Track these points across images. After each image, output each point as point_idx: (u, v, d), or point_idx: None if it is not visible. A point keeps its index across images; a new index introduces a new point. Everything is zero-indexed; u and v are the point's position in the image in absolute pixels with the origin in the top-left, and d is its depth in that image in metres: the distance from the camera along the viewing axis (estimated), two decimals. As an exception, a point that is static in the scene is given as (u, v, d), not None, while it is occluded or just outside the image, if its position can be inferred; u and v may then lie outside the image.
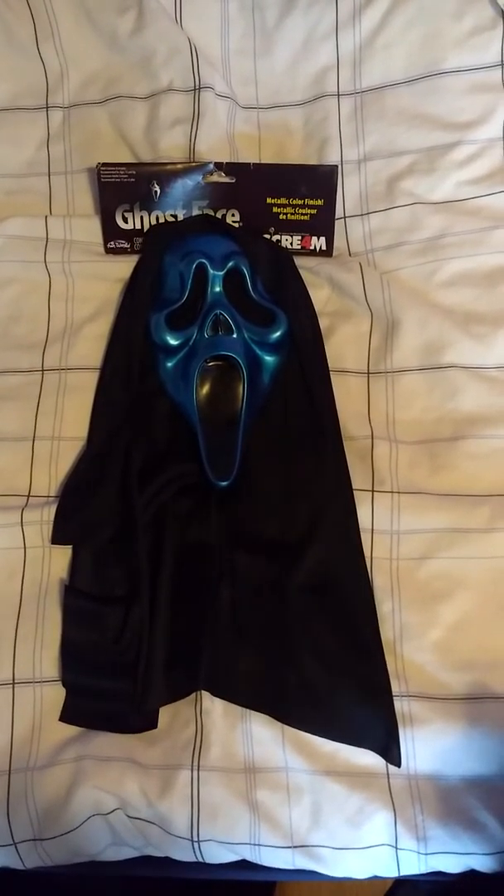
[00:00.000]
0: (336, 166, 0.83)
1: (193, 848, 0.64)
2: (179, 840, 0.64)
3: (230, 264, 0.78)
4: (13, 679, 0.69)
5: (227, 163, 0.83)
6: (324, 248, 0.85)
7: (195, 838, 0.63)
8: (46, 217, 0.86)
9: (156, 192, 0.83)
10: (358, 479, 0.74)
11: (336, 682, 0.66)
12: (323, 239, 0.85)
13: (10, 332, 0.83)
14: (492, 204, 0.84)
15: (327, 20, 0.88)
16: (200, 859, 0.65)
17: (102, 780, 0.65)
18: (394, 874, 0.64)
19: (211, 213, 0.85)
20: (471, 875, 0.64)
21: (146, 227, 0.85)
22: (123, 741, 0.66)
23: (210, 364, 0.76)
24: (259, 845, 0.64)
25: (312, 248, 0.85)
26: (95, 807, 0.64)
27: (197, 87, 0.87)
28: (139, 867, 0.67)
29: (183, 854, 0.65)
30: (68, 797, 0.64)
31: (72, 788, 0.65)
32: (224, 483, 0.72)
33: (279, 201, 0.83)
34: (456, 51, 0.86)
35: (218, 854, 0.64)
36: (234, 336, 0.76)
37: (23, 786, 0.65)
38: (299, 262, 0.84)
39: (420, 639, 0.68)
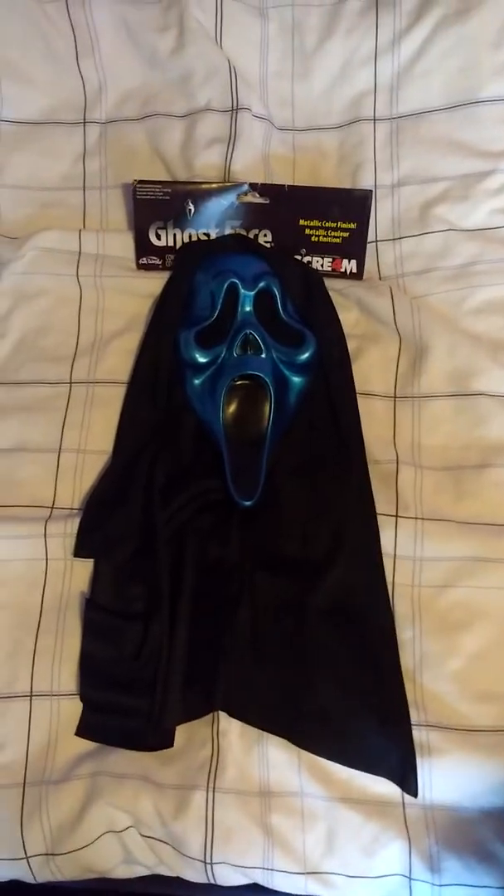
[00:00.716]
0: (370, 191, 0.83)
1: (206, 870, 0.64)
2: (192, 861, 0.64)
3: (261, 284, 0.78)
4: (31, 691, 0.69)
5: (261, 184, 0.84)
6: (354, 270, 0.85)
7: (208, 860, 0.63)
8: (80, 231, 0.87)
9: (190, 210, 0.84)
10: (382, 503, 0.74)
11: (354, 707, 0.66)
12: (354, 262, 0.85)
13: (38, 344, 0.84)
14: (524, 233, 0.84)
15: (367, 46, 0.88)
16: (212, 881, 0.64)
17: (117, 797, 0.64)
18: (406, 905, 0.64)
19: (244, 232, 0.85)
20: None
21: (178, 244, 0.85)
22: (139, 759, 0.66)
23: (237, 383, 0.77)
24: (272, 870, 0.63)
25: (343, 270, 0.85)
26: (109, 824, 0.64)
27: (234, 107, 0.88)
28: (150, 886, 0.66)
29: (195, 875, 0.64)
30: (82, 813, 0.64)
31: (86, 804, 0.65)
32: (248, 502, 0.72)
33: (312, 223, 0.84)
34: (493, 80, 0.86)
35: (230, 877, 0.64)
36: (263, 356, 0.76)
37: (37, 799, 0.65)
38: (329, 284, 0.84)
39: (440, 668, 0.68)
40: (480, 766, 0.64)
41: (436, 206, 0.86)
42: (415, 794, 0.64)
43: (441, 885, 0.63)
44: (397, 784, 0.64)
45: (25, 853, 0.64)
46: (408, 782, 0.64)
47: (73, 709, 0.68)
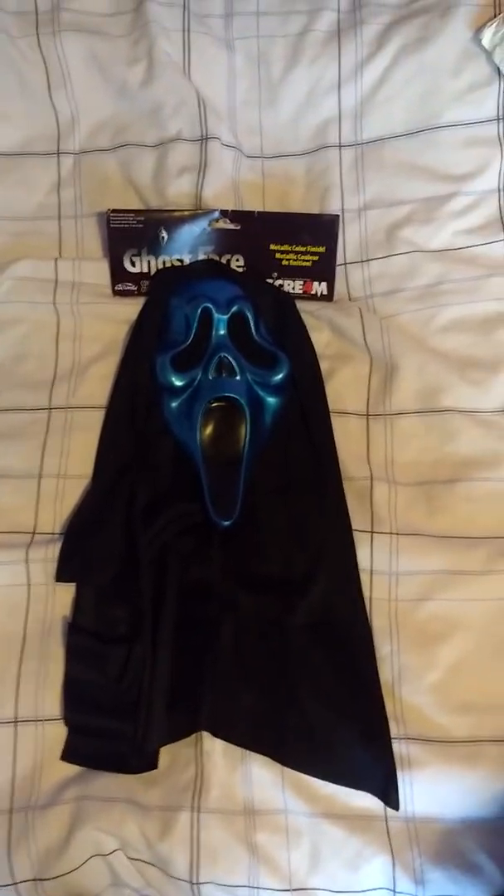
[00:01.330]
0: (338, 216, 0.85)
1: (193, 890, 0.64)
2: (179, 882, 0.64)
3: (234, 308, 0.80)
4: (16, 717, 0.69)
5: (232, 210, 0.86)
6: (325, 293, 0.87)
7: (194, 880, 0.64)
8: (56, 259, 0.88)
9: (163, 237, 0.86)
10: (357, 519, 0.75)
11: (335, 724, 0.67)
12: (324, 284, 0.87)
13: (17, 371, 0.84)
14: (487, 253, 0.87)
15: (330, 74, 0.91)
16: (199, 901, 0.65)
17: (103, 820, 0.65)
18: (391, 917, 0.65)
19: (216, 258, 0.87)
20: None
21: (153, 270, 0.87)
22: (124, 782, 0.67)
23: (213, 405, 0.78)
24: (258, 888, 0.64)
25: (314, 292, 0.87)
26: (96, 847, 0.65)
27: (204, 136, 0.90)
28: (138, 908, 0.67)
29: (182, 896, 0.65)
30: (69, 837, 0.65)
31: (72, 829, 0.65)
32: (226, 522, 0.74)
33: (282, 248, 0.86)
34: (453, 105, 0.89)
35: (217, 897, 0.65)
36: (238, 378, 0.77)
37: (24, 825, 0.65)
38: (301, 306, 0.86)
39: (418, 681, 0.69)
40: (460, 777, 0.66)
41: (401, 228, 0.88)
42: (396, 808, 0.65)
43: (425, 897, 0.64)
44: (379, 798, 0.65)
45: (13, 879, 0.64)
46: (389, 796, 0.65)
47: (58, 733, 0.69)
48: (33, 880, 0.64)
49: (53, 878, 0.64)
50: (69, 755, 0.68)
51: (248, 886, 0.64)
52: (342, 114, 0.91)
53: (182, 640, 0.70)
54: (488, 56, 0.88)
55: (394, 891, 0.64)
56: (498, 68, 0.88)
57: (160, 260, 0.87)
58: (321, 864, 0.64)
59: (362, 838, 0.64)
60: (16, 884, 0.64)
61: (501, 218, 0.88)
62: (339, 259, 0.88)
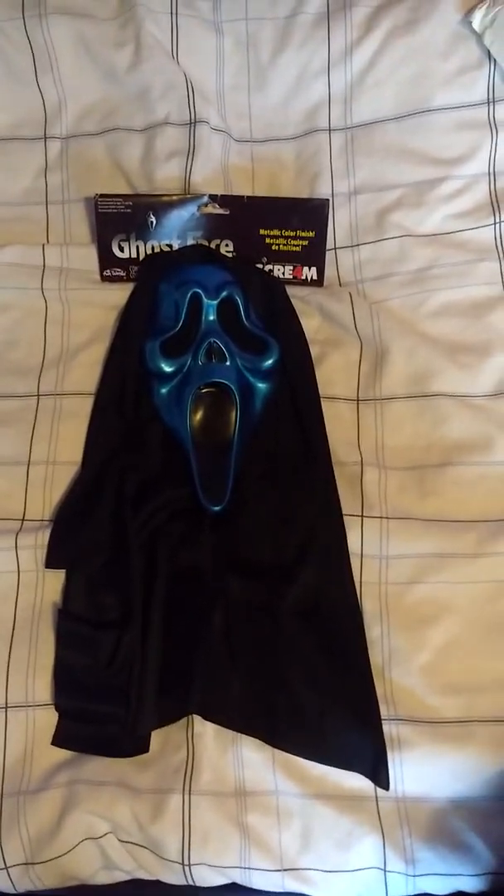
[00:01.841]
0: (327, 200, 0.85)
1: (184, 872, 0.64)
2: (171, 864, 0.64)
3: (224, 294, 0.80)
4: (6, 703, 0.69)
5: (221, 195, 0.85)
6: (315, 278, 0.87)
7: (186, 862, 0.64)
8: (44, 245, 0.88)
9: (152, 222, 0.85)
10: (347, 504, 0.75)
11: (326, 706, 0.67)
12: (314, 269, 0.87)
13: (6, 358, 0.84)
14: (477, 237, 0.87)
15: (319, 58, 0.90)
16: (191, 883, 0.65)
17: (94, 804, 0.65)
18: (382, 896, 0.65)
19: (205, 243, 0.87)
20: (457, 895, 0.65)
21: (142, 256, 0.87)
22: (115, 765, 0.67)
23: (203, 391, 0.78)
24: (249, 868, 0.64)
25: (304, 278, 0.87)
26: (87, 831, 0.65)
27: (192, 120, 0.90)
28: (130, 890, 0.67)
29: (174, 878, 0.65)
30: (60, 821, 0.65)
31: (64, 813, 0.65)
32: (217, 508, 0.74)
33: (272, 233, 0.85)
34: (443, 89, 0.89)
35: (209, 878, 0.65)
36: (228, 363, 0.77)
37: (15, 810, 0.66)
38: (291, 291, 0.86)
39: (408, 663, 0.69)
40: (450, 758, 0.66)
41: (391, 212, 0.88)
42: (387, 788, 0.65)
43: (415, 876, 0.65)
44: (369, 778, 0.66)
45: (5, 863, 0.64)
46: (380, 776, 0.66)
47: (49, 719, 0.69)
48: (25, 864, 0.65)
49: (45, 861, 0.65)
50: (60, 740, 0.68)
51: (240, 867, 0.64)
52: (332, 97, 0.91)
53: (173, 624, 0.70)
54: (478, 39, 0.88)
55: (384, 869, 0.64)
56: (488, 51, 0.87)
57: (149, 245, 0.86)
58: (312, 845, 0.64)
59: (353, 818, 0.65)
60: (7, 868, 0.65)
61: (491, 202, 0.87)
62: (329, 244, 0.87)
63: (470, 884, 0.65)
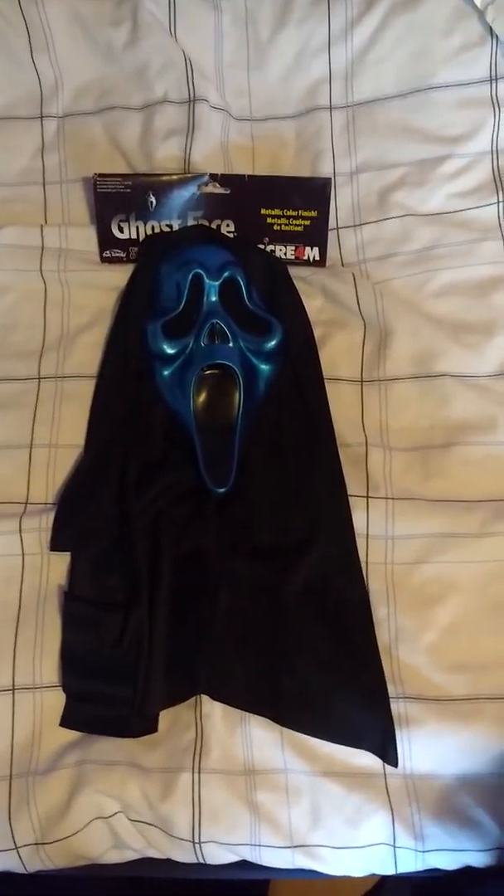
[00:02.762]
0: (329, 179, 0.84)
1: (195, 850, 0.65)
2: (181, 842, 0.65)
3: (226, 274, 0.79)
4: (13, 685, 0.69)
5: (221, 174, 0.84)
6: (317, 258, 0.87)
7: (196, 840, 0.64)
8: (42, 226, 0.87)
9: (151, 202, 0.84)
10: (353, 485, 0.75)
11: (333, 684, 0.68)
12: (316, 249, 0.86)
13: (6, 341, 0.83)
14: (480, 216, 0.86)
15: (320, 35, 0.89)
16: (201, 860, 0.65)
17: (104, 784, 0.65)
18: (391, 871, 0.66)
19: (206, 223, 0.86)
20: (464, 870, 0.66)
21: (142, 236, 0.86)
22: (124, 745, 0.67)
23: (206, 372, 0.78)
24: (259, 846, 0.65)
25: (306, 258, 0.87)
26: (97, 810, 0.65)
27: (191, 98, 0.89)
28: (140, 869, 0.67)
29: (184, 856, 0.66)
30: (70, 801, 0.65)
31: (73, 793, 0.65)
32: (221, 490, 0.73)
33: (273, 212, 0.85)
34: (445, 66, 0.88)
35: (219, 855, 0.65)
36: (230, 345, 0.77)
37: (24, 791, 0.66)
38: (293, 271, 0.85)
39: (415, 642, 0.70)
40: (457, 735, 0.67)
41: (394, 191, 0.87)
42: (395, 765, 0.66)
43: (424, 851, 0.65)
44: (378, 756, 0.66)
45: (15, 844, 0.65)
46: (388, 754, 0.66)
47: (57, 700, 0.69)
48: (35, 844, 0.65)
49: (55, 841, 0.65)
50: (68, 721, 0.68)
51: (250, 844, 0.65)
52: (332, 75, 0.90)
53: (178, 605, 0.70)
54: (480, 15, 0.87)
55: (393, 845, 0.65)
56: (490, 27, 0.86)
57: (149, 225, 0.86)
58: (321, 821, 0.65)
59: (362, 795, 0.65)
60: (17, 848, 0.65)
61: (495, 180, 0.87)
62: (332, 224, 0.87)
63: (478, 859, 0.65)
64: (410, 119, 0.88)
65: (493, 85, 0.87)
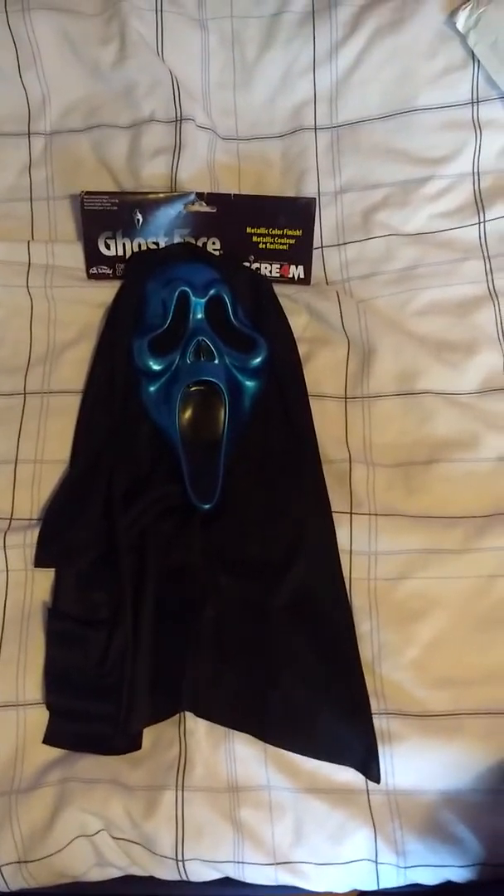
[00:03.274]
0: (314, 199, 0.85)
1: (178, 867, 0.65)
2: (164, 860, 0.65)
3: (212, 292, 0.80)
4: (-4, 702, 0.69)
5: (208, 193, 0.85)
6: (302, 276, 0.87)
7: (180, 858, 0.64)
8: (29, 242, 0.88)
9: (138, 220, 0.85)
10: (336, 501, 0.76)
11: (316, 700, 0.68)
12: (301, 268, 0.87)
13: (-9, 356, 0.84)
14: (462, 236, 0.87)
15: (305, 57, 0.91)
16: (185, 878, 0.65)
17: (87, 801, 0.65)
18: (373, 887, 0.66)
19: (192, 241, 0.87)
20: (446, 885, 0.66)
21: (128, 253, 0.86)
22: (108, 763, 0.67)
23: (192, 389, 0.78)
24: (243, 863, 0.65)
25: (291, 276, 0.88)
26: (80, 828, 0.65)
27: (178, 118, 0.90)
28: (123, 887, 0.67)
29: (167, 873, 0.65)
30: (53, 819, 0.65)
31: (56, 810, 0.65)
32: (207, 506, 0.74)
33: (259, 231, 0.86)
34: (428, 89, 0.89)
35: (202, 872, 0.65)
36: (216, 362, 0.78)
37: (7, 809, 0.65)
38: (278, 289, 0.86)
39: (398, 657, 0.70)
40: (439, 750, 0.67)
41: (377, 211, 0.88)
42: (378, 781, 0.66)
43: (406, 867, 0.66)
44: (360, 772, 0.67)
45: (-3, 862, 0.65)
46: (371, 770, 0.66)
47: (40, 717, 0.69)
48: (17, 862, 0.65)
49: (38, 859, 0.65)
50: (51, 738, 0.68)
51: (234, 861, 0.65)
52: (317, 96, 0.91)
53: (163, 622, 0.70)
54: (462, 39, 0.88)
55: (376, 861, 0.65)
56: (472, 51, 0.88)
57: (135, 243, 0.86)
58: (305, 838, 0.65)
59: (345, 812, 0.65)
60: (0, 867, 0.64)
61: (476, 201, 0.88)
62: (316, 242, 0.88)
63: (459, 874, 0.66)
64: (394, 140, 0.90)
65: (475, 108, 0.89)
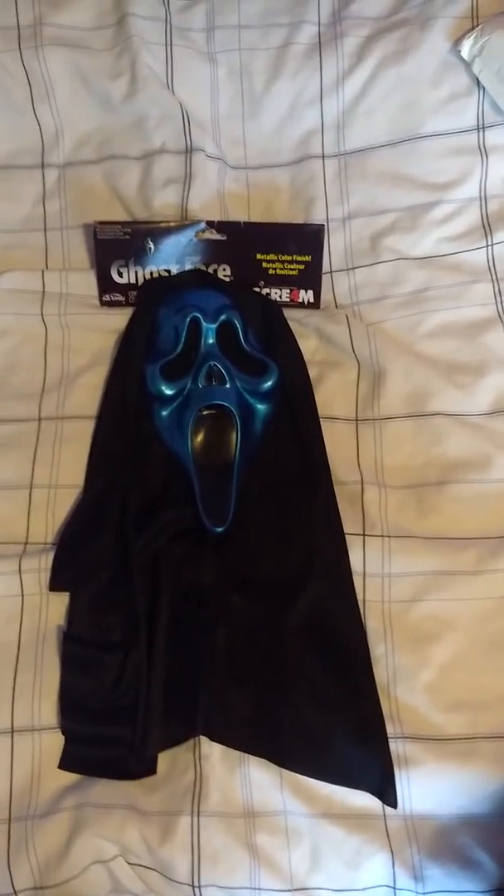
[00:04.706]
0: (323, 225, 0.87)
1: (194, 893, 0.64)
2: (180, 886, 0.64)
3: (223, 317, 0.81)
4: (12, 727, 0.69)
5: (218, 221, 0.87)
6: (311, 300, 0.89)
7: (196, 884, 0.64)
8: (43, 271, 0.89)
9: (150, 248, 0.86)
10: (349, 523, 0.76)
11: (332, 725, 0.68)
12: (311, 292, 0.88)
13: (7, 382, 0.85)
14: (470, 259, 0.89)
15: (312, 87, 0.92)
16: (201, 905, 0.65)
17: (103, 827, 0.65)
18: (392, 914, 0.65)
19: (203, 268, 0.88)
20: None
21: (140, 281, 0.88)
22: (123, 788, 0.67)
23: (204, 413, 0.79)
24: (259, 889, 0.64)
25: (301, 301, 0.89)
26: (96, 854, 0.65)
27: (188, 149, 0.91)
28: (139, 914, 0.67)
29: (183, 900, 0.65)
30: (69, 845, 0.65)
31: (72, 836, 0.65)
32: (219, 529, 0.74)
33: (268, 257, 0.87)
34: (434, 116, 0.91)
35: (218, 899, 0.65)
36: (228, 386, 0.78)
37: (23, 834, 0.65)
38: (288, 314, 0.87)
39: (412, 681, 0.70)
40: (456, 774, 0.67)
41: (385, 236, 0.90)
42: (394, 806, 0.66)
43: (425, 893, 0.65)
44: (377, 797, 0.66)
45: (14, 888, 0.64)
46: (387, 794, 0.66)
47: (55, 742, 0.69)
48: (34, 888, 0.64)
49: (54, 886, 0.64)
50: (67, 763, 0.68)
51: (250, 888, 0.64)
52: (325, 125, 0.93)
53: (177, 645, 0.70)
54: (467, 67, 0.90)
55: (394, 887, 0.65)
56: (477, 79, 0.90)
57: (147, 270, 0.88)
58: (321, 864, 0.65)
59: (361, 837, 0.65)
60: (16, 892, 0.64)
61: (483, 225, 0.89)
62: (325, 268, 0.89)
63: (478, 900, 0.65)
64: (401, 167, 0.91)
65: (481, 133, 0.90)
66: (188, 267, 0.88)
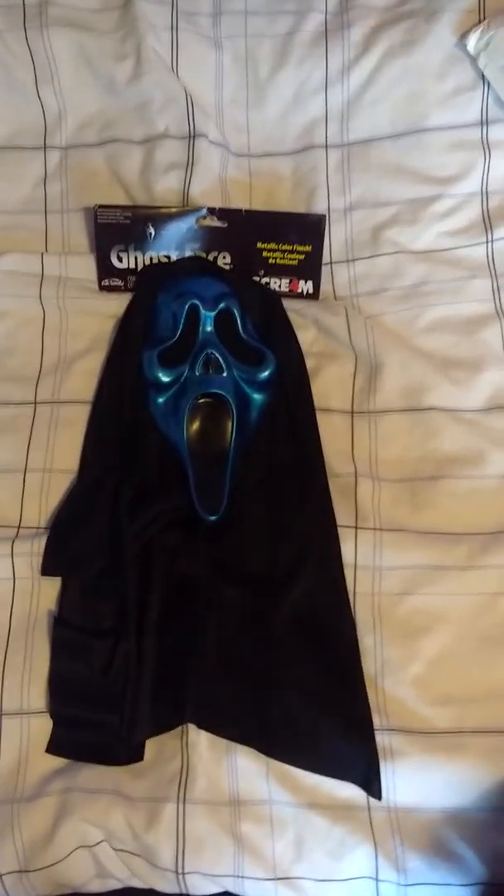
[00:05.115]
0: (324, 216, 0.86)
1: (178, 880, 0.65)
2: (164, 872, 0.65)
3: (221, 305, 0.81)
4: (1, 710, 0.69)
5: (219, 208, 0.86)
6: (311, 291, 0.88)
7: (180, 871, 0.64)
8: (42, 254, 0.89)
9: (150, 233, 0.86)
10: (342, 515, 0.76)
11: (319, 715, 0.68)
12: (310, 283, 0.88)
13: (3, 365, 0.84)
14: (470, 255, 0.88)
15: (317, 76, 0.92)
16: (184, 891, 0.65)
17: (89, 812, 0.65)
18: (374, 905, 0.66)
19: (203, 255, 0.87)
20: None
21: (140, 266, 0.87)
22: (110, 773, 0.67)
23: (200, 401, 0.79)
24: (243, 877, 0.65)
25: (300, 291, 0.88)
26: (81, 839, 0.65)
27: (192, 134, 0.91)
28: (122, 899, 0.67)
29: (167, 886, 0.65)
30: (55, 829, 0.65)
31: (58, 820, 0.65)
32: (213, 518, 0.74)
33: (269, 246, 0.87)
34: (439, 109, 0.90)
35: (202, 886, 0.65)
36: (224, 374, 0.78)
37: (9, 817, 0.66)
38: (287, 304, 0.87)
39: (401, 673, 0.70)
40: (441, 768, 0.67)
41: (386, 229, 0.89)
42: (379, 798, 0.66)
43: (406, 885, 0.65)
44: (362, 788, 0.67)
45: (-1, 871, 0.65)
46: (372, 786, 0.66)
47: (44, 726, 0.69)
48: (18, 872, 0.65)
49: (38, 869, 0.65)
50: (54, 748, 0.69)
51: (233, 876, 0.65)
52: (329, 115, 0.92)
53: (167, 633, 0.70)
54: (473, 61, 0.89)
55: (376, 879, 0.65)
56: (482, 73, 0.89)
57: (147, 256, 0.87)
58: (305, 854, 0.65)
59: (345, 828, 0.65)
60: (1, 876, 0.65)
61: (484, 221, 0.89)
62: (325, 258, 0.89)
63: (460, 893, 0.65)
64: (403, 159, 0.90)
65: (484, 128, 0.90)
66: (188, 253, 0.87)
